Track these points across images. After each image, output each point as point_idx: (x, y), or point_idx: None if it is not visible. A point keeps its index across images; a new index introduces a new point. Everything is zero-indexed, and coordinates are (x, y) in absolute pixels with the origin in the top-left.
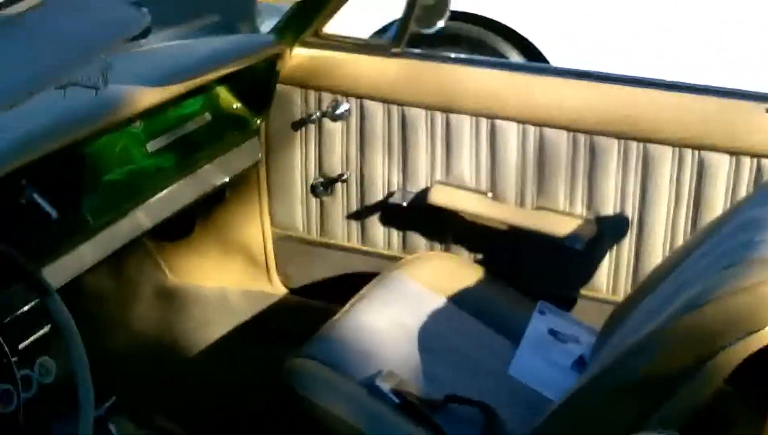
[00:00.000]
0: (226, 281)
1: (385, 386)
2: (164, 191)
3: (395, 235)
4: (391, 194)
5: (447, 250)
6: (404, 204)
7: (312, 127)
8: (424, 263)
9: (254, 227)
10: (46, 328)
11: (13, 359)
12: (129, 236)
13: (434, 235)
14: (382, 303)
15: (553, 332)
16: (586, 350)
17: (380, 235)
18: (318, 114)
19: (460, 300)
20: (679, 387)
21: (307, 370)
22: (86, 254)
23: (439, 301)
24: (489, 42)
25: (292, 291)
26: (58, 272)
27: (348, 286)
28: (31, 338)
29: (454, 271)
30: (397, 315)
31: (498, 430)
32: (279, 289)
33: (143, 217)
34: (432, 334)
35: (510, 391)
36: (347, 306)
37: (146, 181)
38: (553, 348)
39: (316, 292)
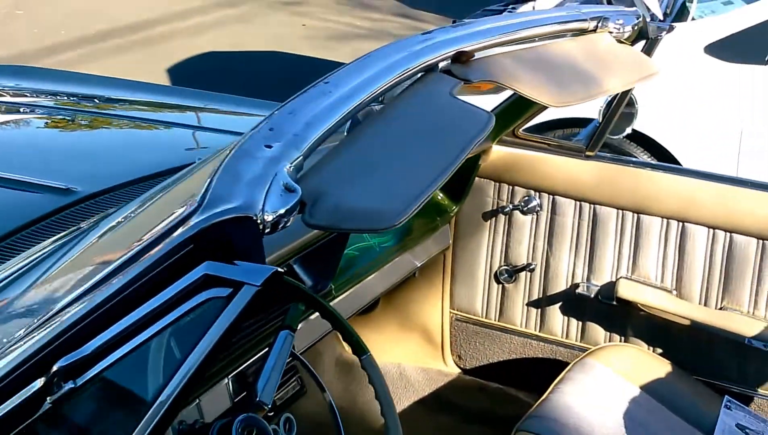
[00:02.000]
0: (402, 358)
1: None
2: (384, 267)
3: (574, 324)
4: (575, 286)
5: (626, 342)
6: (590, 295)
7: (502, 218)
8: (615, 353)
9: (434, 308)
10: (296, 384)
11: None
12: (353, 308)
13: (613, 327)
14: (582, 387)
15: (741, 427)
16: None
17: (559, 324)
18: (510, 206)
19: (653, 390)
20: None
21: None
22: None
23: (633, 389)
24: (626, 149)
25: (465, 371)
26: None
27: (519, 370)
28: (283, 391)
29: (643, 362)
30: (598, 399)
31: None
32: (453, 369)
33: (364, 290)
34: (633, 420)
35: None
36: (552, 387)
37: (371, 257)
38: None
39: (488, 374)
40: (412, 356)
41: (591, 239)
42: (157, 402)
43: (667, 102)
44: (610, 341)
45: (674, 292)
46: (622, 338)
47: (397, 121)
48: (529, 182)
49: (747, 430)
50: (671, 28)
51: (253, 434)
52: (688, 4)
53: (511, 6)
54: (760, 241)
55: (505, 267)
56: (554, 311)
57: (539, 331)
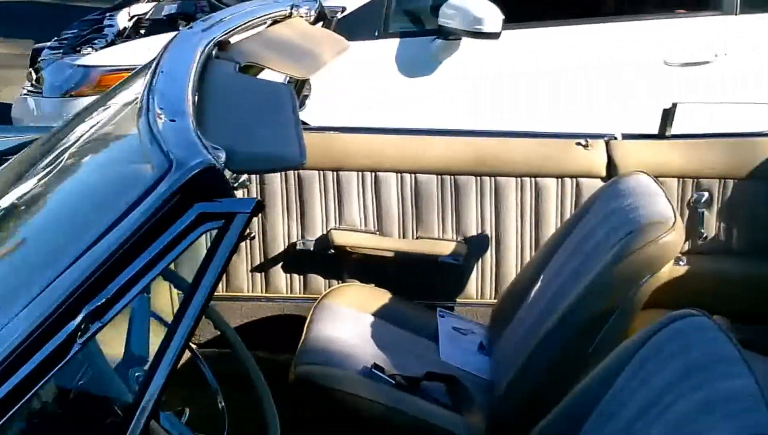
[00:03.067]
0: None
1: (380, 373)
2: None
3: (297, 279)
4: (293, 244)
5: (348, 282)
6: (309, 250)
7: None
8: (343, 292)
9: None
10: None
11: None
12: None
13: (334, 273)
14: (332, 322)
15: (456, 329)
16: (482, 338)
17: (283, 282)
18: None
19: (381, 314)
20: (611, 318)
21: (319, 371)
22: None
23: (367, 317)
24: None
25: (200, 346)
26: None
27: (257, 332)
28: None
29: (367, 295)
30: (348, 329)
31: (465, 393)
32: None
33: None
34: (380, 339)
35: (448, 369)
36: (305, 329)
37: None
38: (462, 339)
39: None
40: None
41: (300, 201)
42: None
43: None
44: (335, 285)
45: (377, 233)
46: (343, 280)
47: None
48: None
49: (461, 330)
50: (343, 9)
51: None
52: None
53: (108, 14)
54: (439, 177)
55: None
56: (278, 271)
57: (266, 292)
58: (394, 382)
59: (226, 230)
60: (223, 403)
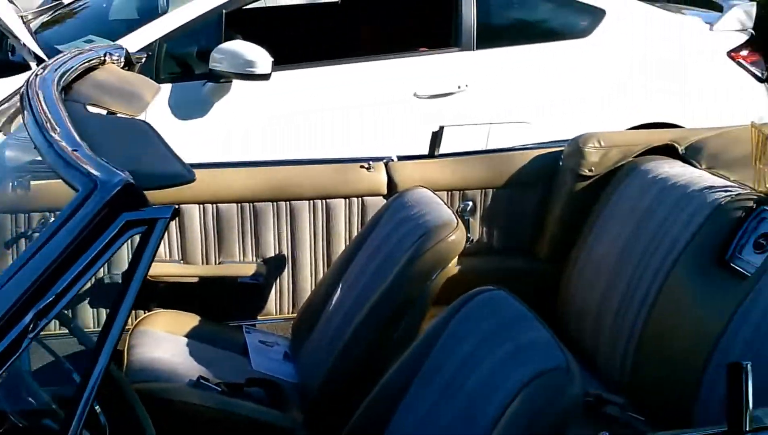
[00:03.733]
0: None
1: (207, 383)
2: None
3: (103, 313)
4: (99, 280)
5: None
6: (116, 282)
7: None
8: (156, 319)
9: None
10: None
11: None
12: None
13: (138, 304)
14: (150, 346)
15: (262, 342)
16: (286, 349)
17: (90, 316)
18: None
19: (196, 336)
20: (410, 311)
21: (156, 386)
22: None
23: (183, 339)
24: None
25: None
26: None
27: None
28: None
29: (177, 321)
30: (168, 350)
31: (283, 395)
32: None
33: None
34: (198, 356)
35: (262, 377)
36: (125, 354)
37: None
38: (269, 350)
39: None
40: None
41: None
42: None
43: None
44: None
45: (181, 261)
46: (149, 309)
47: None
48: None
49: (266, 343)
50: (149, 55)
51: None
52: None
53: None
54: (238, 205)
55: None
56: (85, 307)
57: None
58: (220, 389)
59: (149, 234)
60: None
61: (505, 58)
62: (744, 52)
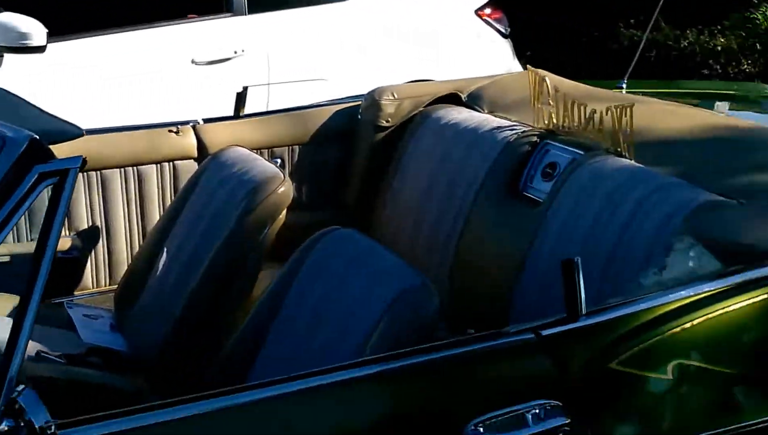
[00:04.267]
0: None
1: (49, 355)
2: None
3: None
4: None
5: None
6: None
7: None
8: None
9: None
10: None
11: None
12: None
13: None
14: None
15: (86, 315)
16: (111, 320)
17: None
18: None
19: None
20: (247, 264)
21: None
22: None
23: (5, 319)
24: None
25: None
26: None
27: None
28: None
29: None
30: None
31: (121, 361)
32: None
33: None
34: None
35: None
36: None
37: None
38: (94, 323)
39: None
40: None
41: None
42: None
43: None
44: None
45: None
46: None
47: None
48: None
49: (90, 316)
50: None
51: None
52: None
53: None
54: None
55: None
56: None
57: None
58: (64, 360)
59: (62, 184)
60: None
61: (277, 21)
62: (488, 10)
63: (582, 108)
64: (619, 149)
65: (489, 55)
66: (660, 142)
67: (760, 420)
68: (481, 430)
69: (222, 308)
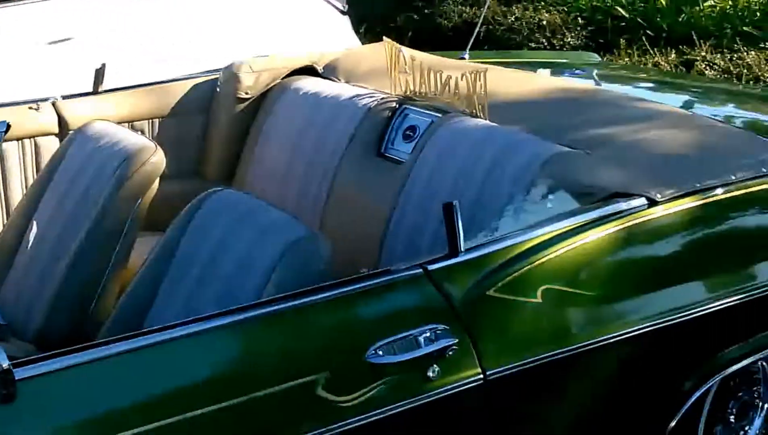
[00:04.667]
0: None
1: None
2: None
3: None
4: None
5: None
6: None
7: None
8: None
9: None
10: None
11: None
12: None
13: None
14: None
15: None
16: None
17: None
18: None
19: None
20: (122, 237)
21: None
22: None
23: None
24: None
25: None
26: None
27: None
28: None
29: None
30: None
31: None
32: None
33: None
34: None
35: None
36: None
37: None
38: None
39: None
40: None
41: None
42: None
43: None
44: None
45: None
46: None
47: None
48: None
49: None
50: None
51: None
52: None
53: None
54: None
55: None
56: None
57: None
58: None
59: None
60: None
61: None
62: None
63: (438, 74)
64: (474, 111)
65: (328, 32)
66: (509, 104)
67: (619, 333)
68: (381, 353)
69: (99, 277)
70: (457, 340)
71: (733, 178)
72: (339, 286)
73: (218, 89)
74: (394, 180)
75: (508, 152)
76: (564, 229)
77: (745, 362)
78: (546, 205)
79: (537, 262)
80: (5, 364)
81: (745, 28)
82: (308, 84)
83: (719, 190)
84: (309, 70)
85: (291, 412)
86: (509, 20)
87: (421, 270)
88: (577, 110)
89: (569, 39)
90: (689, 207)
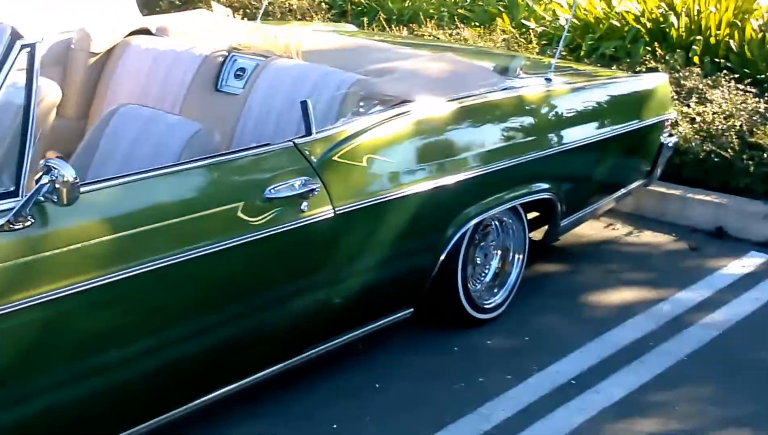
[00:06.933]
0: None
1: None
2: None
3: None
4: None
5: None
6: None
7: None
8: None
9: None
10: None
11: None
12: None
13: None
14: None
15: None
16: None
17: None
18: None
19: None
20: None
21: None
22: None
23: None
24: None
25: None
26: None
27: None
28: None
29: None
30: None
31: None
32: None
33: None
34: None
35: None
36: None
37: None
38: None
39: None
40: None
41: None
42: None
43: None
44: None
45: None
46: None
47: None
48: None
49: None
50: None
51: None
52: None
53: None
54: None
55: None
56: None
57: None
58: None
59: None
60: None
61: None
62: None
63: (261, 31)
64: (290, 56)
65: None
66: (316, 52)
67: (401, 190)
68: (273, 192)
69: None
70: (318, 185)
71: (476, 92)
72: (243, 151)
73: (72, 46)
74: (234, 107)
75: (324, 79)
76: (375, 122)
77: (482, 216)
78: (359, 109)
79: (360, 141)
80: (75, 177)
81: (460, 11)
82: (148, 41)
83: (468, 99)
84: (144, 33)
85: (217, 227)
86: (264, 4)
87: (292, 144)
88: (366, 55)
89: (317, 21)
90: (425, 110)
